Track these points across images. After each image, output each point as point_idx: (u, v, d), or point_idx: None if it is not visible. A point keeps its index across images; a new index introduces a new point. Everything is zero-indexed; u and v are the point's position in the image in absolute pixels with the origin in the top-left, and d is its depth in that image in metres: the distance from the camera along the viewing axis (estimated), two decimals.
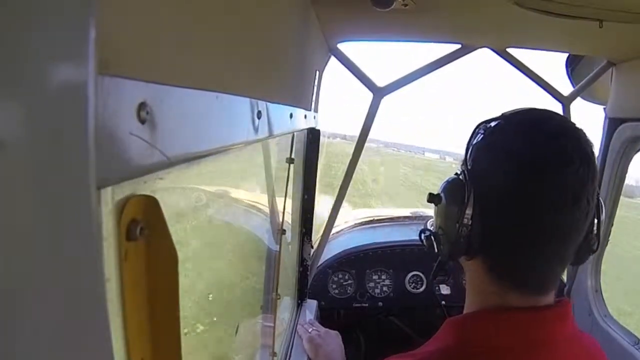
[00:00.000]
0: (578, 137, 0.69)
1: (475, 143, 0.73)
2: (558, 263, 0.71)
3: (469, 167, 0.72)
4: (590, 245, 0.72)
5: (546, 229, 0.67)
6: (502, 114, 0.73)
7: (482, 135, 0.73)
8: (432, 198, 0.77)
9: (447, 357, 0.70)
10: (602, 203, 0.73)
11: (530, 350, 0.68)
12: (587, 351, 0.76)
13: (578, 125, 0.71)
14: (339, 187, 1.85)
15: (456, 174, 0.74)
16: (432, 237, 0.79)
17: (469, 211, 0.69)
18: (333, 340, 1.51)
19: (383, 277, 2.09)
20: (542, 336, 0.69)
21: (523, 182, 0.67)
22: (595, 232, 0.71)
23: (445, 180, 0.76)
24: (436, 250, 0.79)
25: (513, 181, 0.67)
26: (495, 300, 0.71)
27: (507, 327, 0.69)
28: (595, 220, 0.71)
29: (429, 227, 0.84)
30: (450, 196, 0.73)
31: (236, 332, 1.42)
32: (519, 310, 0.70)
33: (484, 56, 1.70)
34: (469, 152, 0.74)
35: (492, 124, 0.73)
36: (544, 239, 0.68)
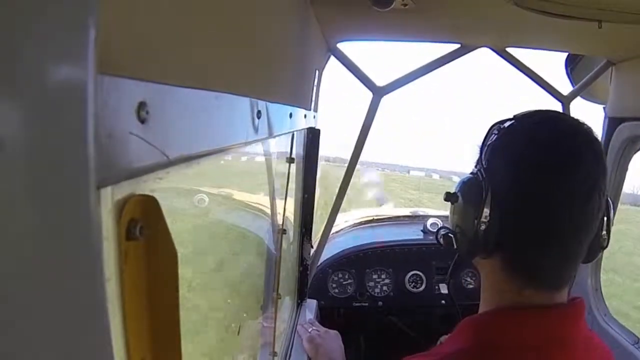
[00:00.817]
0: (588, 136, 0.71)
1: (490, 143, 0.75)
2: (572, 260, 0.72)
3: (485, 167, 0.74)
4: (601, 241, 0.74)
5: (560, 226, 0.69)
6: (514, 115, 0.76)
7: (495, 136, 0.75)
8: (450, 197, 0.79)
9: (468, 358, 0.71)
10: (610, 200, 0.74)
11: (550, 348, 0.69)
12: (600, 351, 0.77)
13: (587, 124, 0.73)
14: (338, 185, 1.85)
15: (471, 173, 0.76)
16: (451, 236, 0.80)
17: (486, 209, 0.71)
18: (333, 340, 1.52)
19: (383, 276, 2.09)
20: (561, 335, 0.70)
21: (537, 181, 0.69)
22: (605, 228, 0.73)
23: (461, 179, 0.78)
24: (455, 247, 0.80)
25: (527, 180, 0.70)
26: (512, 298, 0.73)
27: (527, 326, 0.71)
28: (605, 217, 0.73)
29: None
30: (467, 195, 0.75)
31: (238, 331, 1.42)
32: (537, 308, 0.71)
33: (483, 56, 1.69)
34: (484, 151, 0.76)
35: (505, 124, 0.75)
36: (558, 236, 0.70)
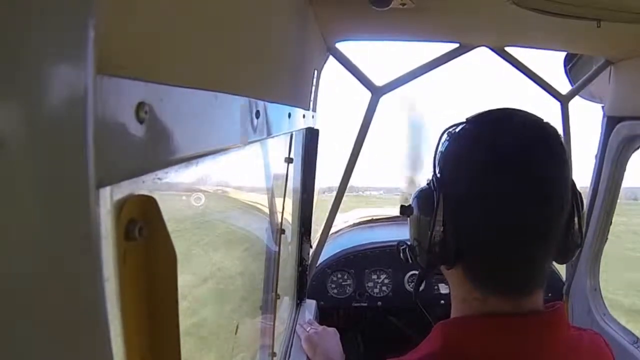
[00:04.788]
0: (543, 131, 0.68)
1: (441, 150, 0.72)
2: (537, 262, 0.69)
3: (437, 175, 0.72)
4: (574, 240, 0.70)
5: (518, 228, 0.66)
6: (466, 118, 0.72)
7: (447, 142, 0.72)
8: (404, 210, 0.76)
9: None
10: (581, 195, 0.71)
11: (518, 358, 0.66)
12: (586, 356, 0.72)
13: (546, 119, 0.70)
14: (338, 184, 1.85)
15: (427, 183, 0.73)
16: (408, 250, 0.77)
17: (439, 218, 0.68)
18: (330, 337, 1.51)
19: (382, 276, 2.09)
20: (528, 345, 0.67)
21: (488, 183, 0.66)
22: (577, 226, 0.69)
23: (416, 190, 0.75)
24: (410, 262, 0.78)
25: (478, 183, 0.67)
26: (478, 307, 0.69)
27: (490, 334, 0.67)
28: (576, 214, 0.69)
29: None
30: (420, 206, 0.72)
31: (235, 332, 1.42)
32: (502, 317, 0.68)
33: (481, 55, 1.69)
34: (436, 159, 0.73)
35: (456, 128, 0.72)
36: (517, 239, 0.66)
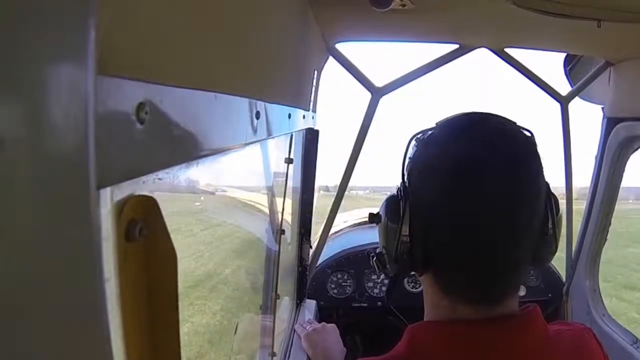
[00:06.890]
0: (512, 137, 0.67)
1: (409, 156, 0.71)
2: (508, 269, 0.67)
3: (405, 182, 0.71)
4: (548, 246, 0.68)
5: (485, 236, 0.64)
6: (436, 123, 0.71)
7: (415, 148, 0.71)
8: (373, 218, 0.76)
9: None
10: (555, 199, 0.69)
11: None
12: (565, 354, 0.69)
13: (519, 124, 0.69)
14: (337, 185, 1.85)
15: (396, 190, 0.72)
16: (377, 258, 0.76)
17: (405, 226, 0.68)
18: (330, 334, 1.50)
19: (382, 277, 2.09)
20: (496, 349, 0.65)
21: (455, 191, 0.65)
22: (550, 231, 0.68)
23: (386, 197, 0.74)
24: (379, 269, 0.77)
25: (445, 191, 0.66)
26: (447, 314, 0.68)
27: (456, 340, 0.66)
28: (550, 218, 0.68)
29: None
30: (388, 213, 0.71)
31: (235, 332, 1.42)
32: (470, 323, 0.66)
33: (481, 56, 1.69)
34: (404, 166, 0.72)
35: (425, 135, 0.71)
36: (485, 247, 0.65)
